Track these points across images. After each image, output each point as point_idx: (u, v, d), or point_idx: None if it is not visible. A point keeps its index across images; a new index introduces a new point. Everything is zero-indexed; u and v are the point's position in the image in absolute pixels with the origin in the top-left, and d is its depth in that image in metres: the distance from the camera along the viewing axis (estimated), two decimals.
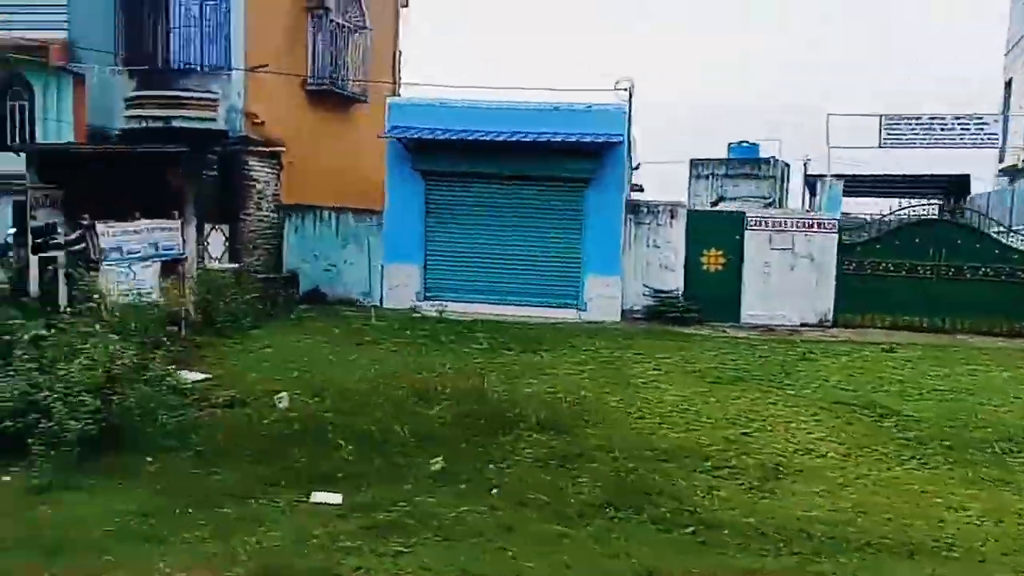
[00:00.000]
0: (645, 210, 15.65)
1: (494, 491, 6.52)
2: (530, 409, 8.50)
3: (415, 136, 14.85)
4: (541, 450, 7.54)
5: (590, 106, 15.03)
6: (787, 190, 35.61)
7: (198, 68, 16.31)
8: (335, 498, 6.27)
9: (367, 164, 21.50)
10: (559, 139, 14.31)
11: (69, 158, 15.75)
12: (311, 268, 15.99)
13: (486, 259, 15.35)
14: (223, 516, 5.90)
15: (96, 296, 9.78)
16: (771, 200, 32.64)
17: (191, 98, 16.14)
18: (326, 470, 6.83)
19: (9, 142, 18.13)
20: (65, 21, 16.50)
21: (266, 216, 16.77)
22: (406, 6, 23.01)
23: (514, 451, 7.50)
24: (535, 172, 14.97)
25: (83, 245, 10.10)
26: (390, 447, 7.46)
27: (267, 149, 16.70)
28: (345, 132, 20.13)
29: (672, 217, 15.54)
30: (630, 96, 15.05)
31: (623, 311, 15.35)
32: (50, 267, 15.42)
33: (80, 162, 15.63)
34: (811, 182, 26.35)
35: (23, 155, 16.47)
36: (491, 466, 7.11)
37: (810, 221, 15.52)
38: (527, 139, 14.24)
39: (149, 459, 7.03)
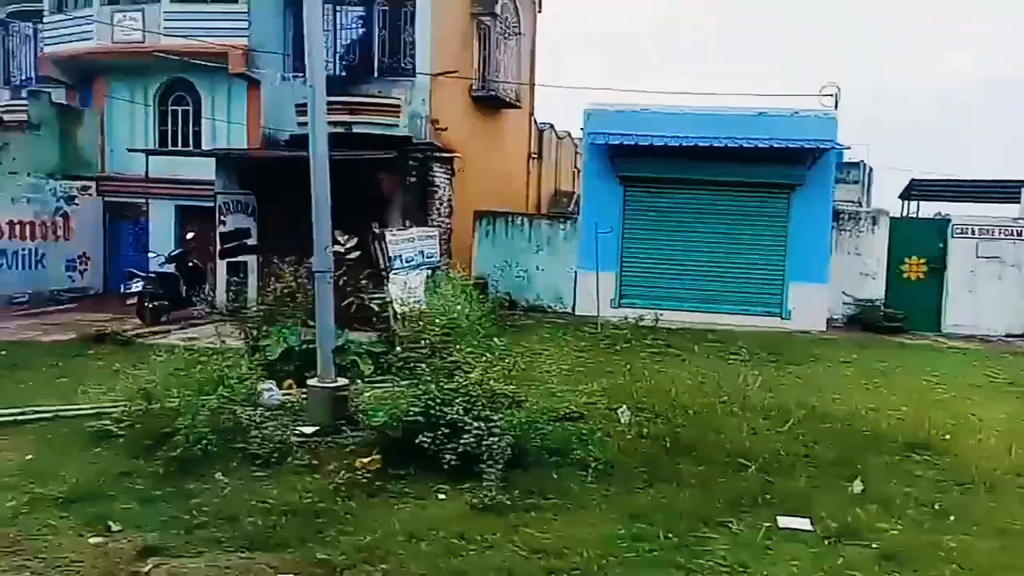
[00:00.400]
0: (847, 216, 15.36)
1: (951, 518, 6.23)
2: (878, 427, 8.28)
3: (621, 143, 14.56)
4: (935, 473, 7.24)
5: (796, 111, 14.76)
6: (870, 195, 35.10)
7: (380, 74, 16.21)
8: (803, 523, 6.00)
9: (512, 167, 21.44)
10: (781, 145, 14.02)
11: (257, 164, 15.64)
12: (502, 275, 15.78)
13: (684, 266, 15.10)
14: (713, 542, 5.63)
15: (388, 306, 9.59)
16: (860, 206, 32.20)
17: (374, 104, 16.01)
18: (748, 489, 6.55)
19: (170, 145, 18.09)
20: (246, 29, 16.40)
21: (443, 222, 16.60)
22: (540, 11, 22.84)
23: (909, 473, 7.21)
24: (739, 178, 14.71)
25: (358, 253, 9.88)
26: (782, 467, 7.19)
27: (447, 155, 16.56)
28: (497, 136, 20.04)
29: (875, 224, 15.25)
30: (836, 102, 14.75)
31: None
32: (240, 276, 15.37)
33: (268, 167, 15.53)
34: (912, 187, 25.90)
35: (190, 159, 16.46)
36: (907, 489, 6.82)
37: (1020, 229, 15.15)
38: (747, 145, 13.96)
39: (554, 475, 6.79)
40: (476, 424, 6.68)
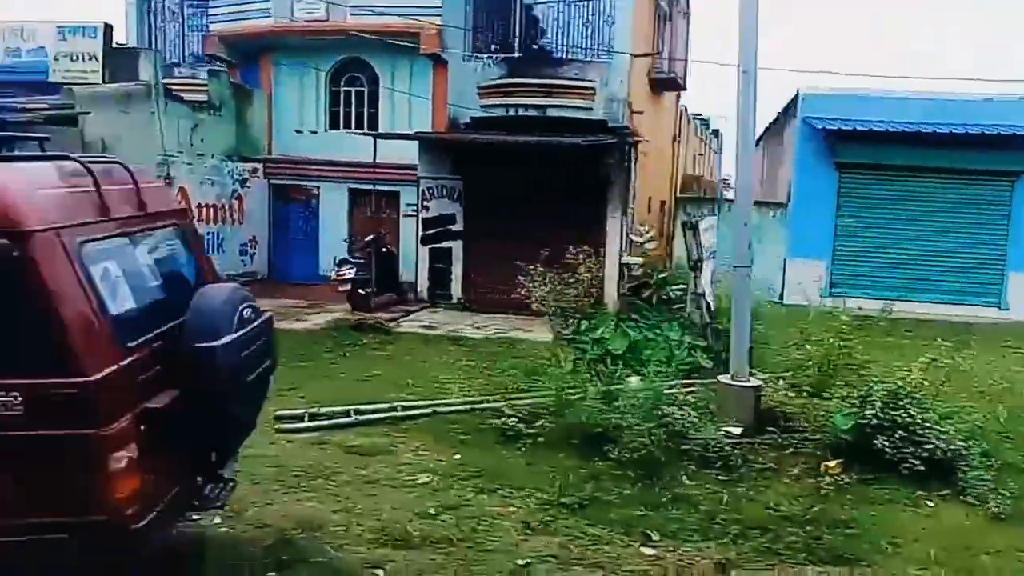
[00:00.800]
0: None
1: None
2: None
3: (854, 128, 14.17)
4: None
5: None
6: None
7: (577, 55, 15.78)
8: None
9: (664, 151, 21.10)
10: (1022, 132, 13.64)
11: (466, 148, 15.23)
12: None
13: (898, 254, 14.79)
14: None
15: (701, 299, 9.38)
16: None
17: (570, 86, 15.60)
18: None
19: (342, 127, 17.79)
20: (437, 6, 15.97)
21: (631, 209, 16.30)
22: None
23: None
24: (959, 165, 14.35)
25: (655, 244, 9.63)
26: None
27: (639, 139, 16.22)
28: (660, 118, 19.68)
29: None
30: None
31: None
32: (440, 264, 15.14)
33: (473, 152, 15.18)
34: None
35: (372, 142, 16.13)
36: None
37: None
38: (988, 132, 13.59)
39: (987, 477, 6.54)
40: (943, 429, 6.51)
